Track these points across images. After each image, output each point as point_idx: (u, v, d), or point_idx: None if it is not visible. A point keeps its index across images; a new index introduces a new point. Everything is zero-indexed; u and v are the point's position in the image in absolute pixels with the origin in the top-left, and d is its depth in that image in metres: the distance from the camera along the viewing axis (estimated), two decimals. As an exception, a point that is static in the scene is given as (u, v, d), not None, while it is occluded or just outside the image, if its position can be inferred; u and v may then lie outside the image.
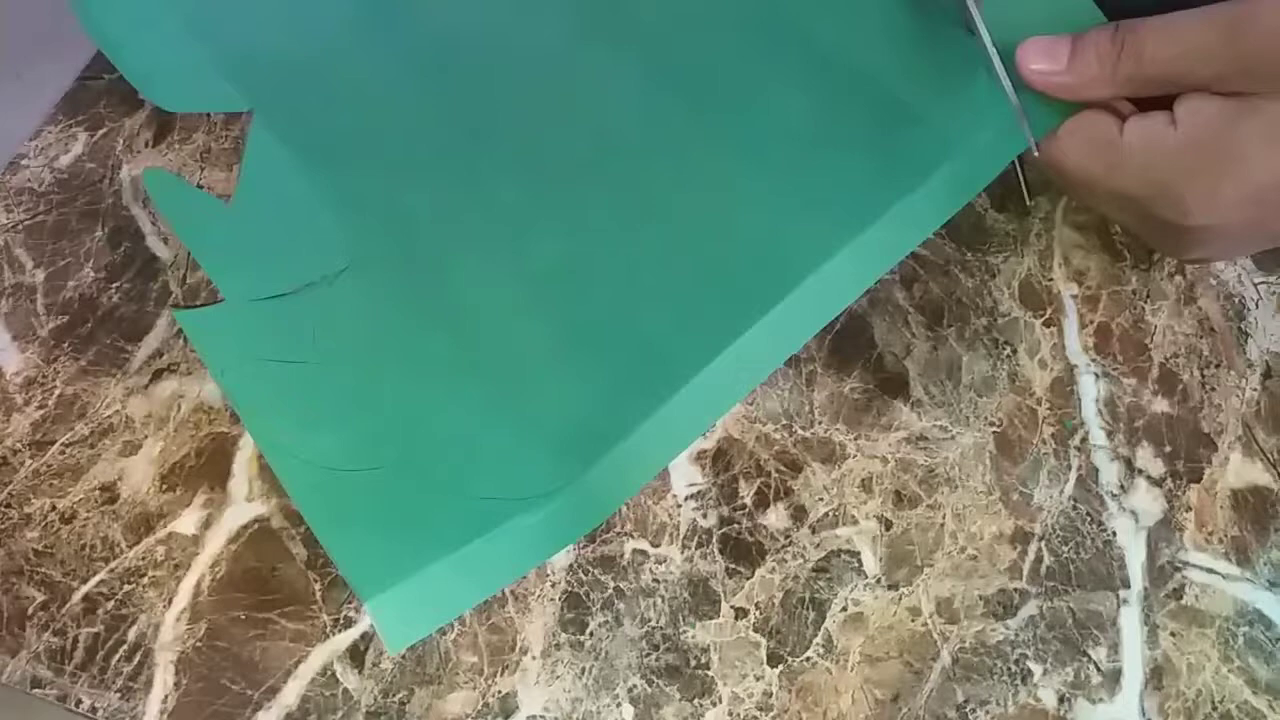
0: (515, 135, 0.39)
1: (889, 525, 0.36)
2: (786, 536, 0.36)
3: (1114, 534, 0.36)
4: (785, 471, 0.37)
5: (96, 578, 0.35)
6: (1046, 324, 0.40)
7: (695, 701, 0.34)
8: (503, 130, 0.39)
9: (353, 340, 0.36)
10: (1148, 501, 0.37)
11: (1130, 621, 0.35)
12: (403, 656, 0.34)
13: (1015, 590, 0.36)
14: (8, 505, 0.36)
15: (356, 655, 0.34)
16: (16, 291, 0.39)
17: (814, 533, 0.36)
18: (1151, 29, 0.32)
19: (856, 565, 0.36)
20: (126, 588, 0.35)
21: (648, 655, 0.34)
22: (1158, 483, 0.37)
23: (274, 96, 0.41)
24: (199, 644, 0.34)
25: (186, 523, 0.36)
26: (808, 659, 0.34)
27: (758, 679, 0.34)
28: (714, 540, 0.36)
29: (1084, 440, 0.38)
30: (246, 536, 0.36)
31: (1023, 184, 0.37)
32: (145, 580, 0.35)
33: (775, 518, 0.36)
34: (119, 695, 0.33)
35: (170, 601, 0.35)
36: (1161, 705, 0.34)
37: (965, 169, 0.35)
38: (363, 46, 0.42)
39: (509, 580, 0.34)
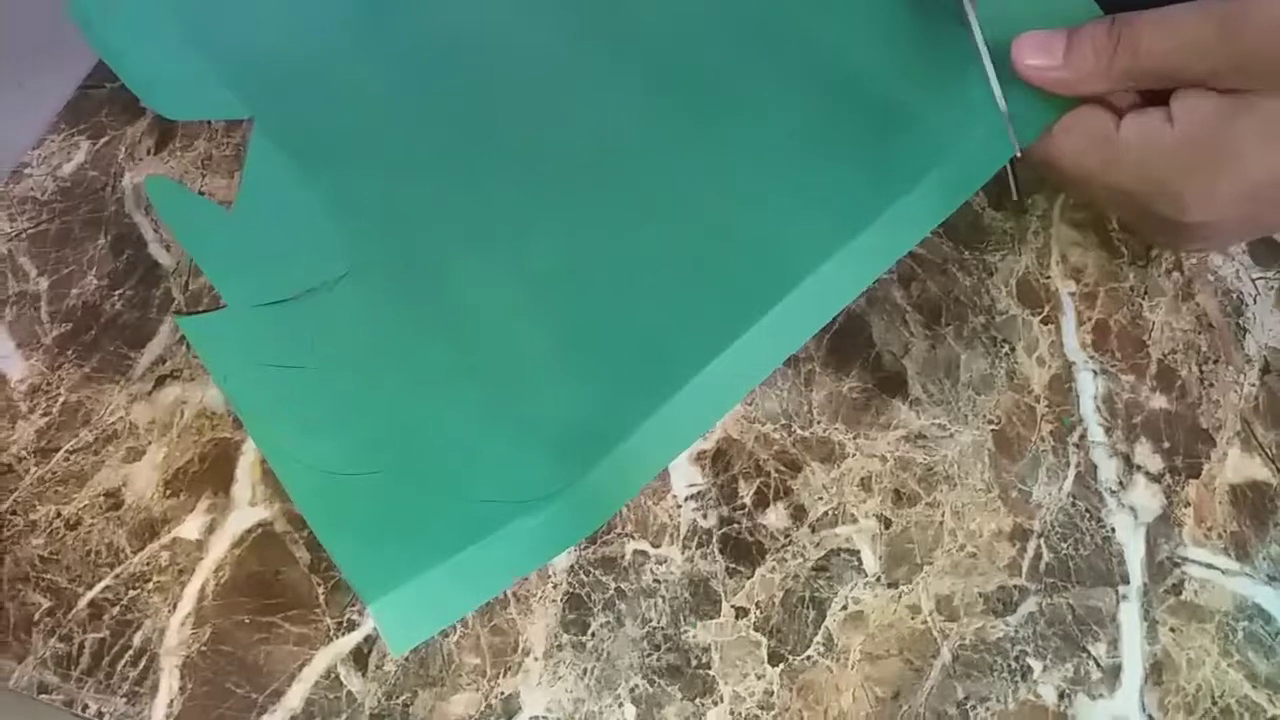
0: (513, 139, 0.39)
1: (888, 524, 0.36)
2: (786, 536, 0.36)
3: (1113, 530, 0.37)
4: (785, 471, 0.37)
5: (102, 583, 0.35)
6: (1044, 321, 0.40)
7: (697, 701, 0.34)
8: (501, 134, 0.40)
9: (353, 345, 0.36)
10: (1146, 497, 0.37)
11: (1130, 617, 0.35)
12: (406, 659, 0.34)
13: (1015, 587, 0.36)
14: (13, 512, 0.36)
15: (360, 658, 0.34)
16: (20, 299, 0.39)
17: (814, 532, 0.36)
18: (1147, 23, 0.32)
19: (856, 564, 0.36)
20: (131, 593, 0.35)
21: (649, 655, 0.34)
22: (1156, 479, 0.38)
23: (273, 103, 0.41)
24: (204, 648, 0.34)
25: (190, 528, 0.36)
26: (808, 658, 0.35)
27: (759, 678, 0.34)
28: (714, 540, 0.36)
29: (1082, 437, 0.38)
30: (250, 541, 0.36)
31: (1012, 181, 0.37)
32: (150, 585, 0.35)
33: (775, 517, 0.37)
34: (125, 700, 0.34)
35: (175, 606, 0.35)
36: (1161, 700, 0.34)
37: (961, 171, 0.35)
38: (361, 53, 0.42)
39: (510, 582, 0.34)
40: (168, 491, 0.36)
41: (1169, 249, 0.41)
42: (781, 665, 0.34)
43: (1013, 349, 0.39)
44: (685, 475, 0.37)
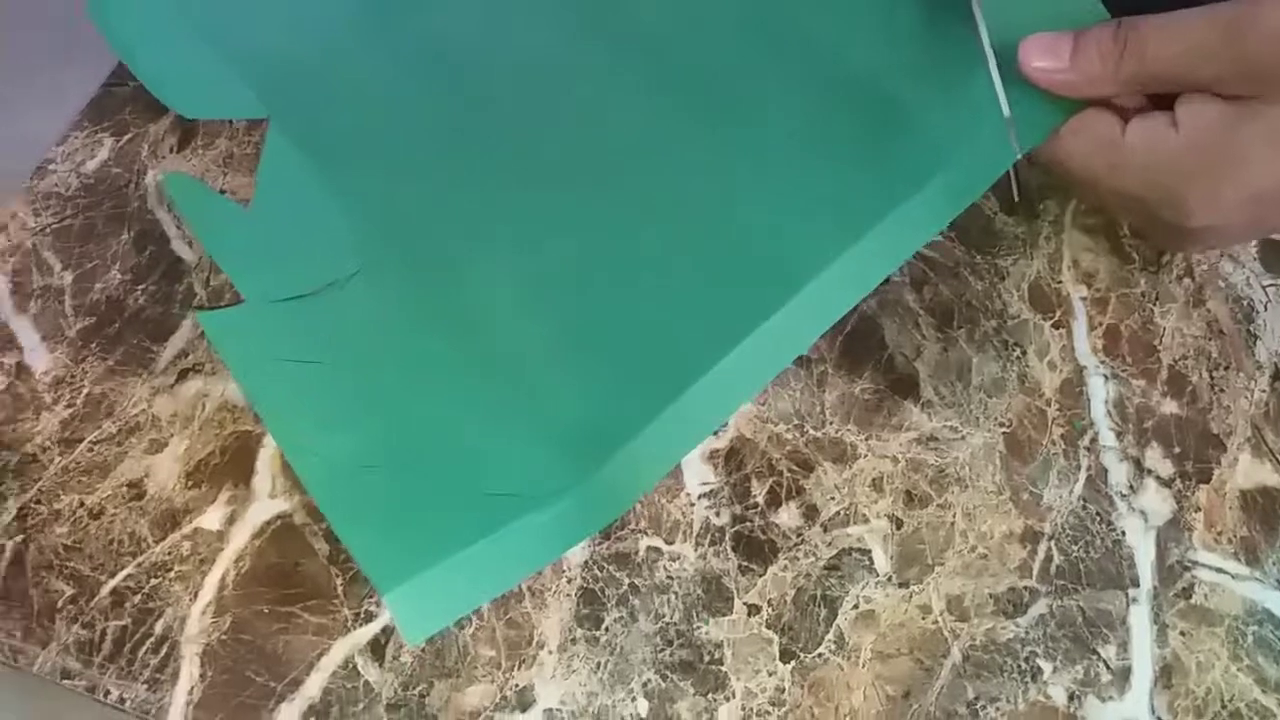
0: (524, 139, 0.40)
1: (900, 524, 0.37)
2: (798, 535, 0.37)
3: (1123, 533, 0.37)
4: (797, 471, 0.38)
5: (124, 572, 0.36)
6: (1056, 326, 0.40)
7: (709, 696, 0.34)
8: (513, 134, 0.40)
9: (368, 340, 0.37)
10: (1157, 502, 0.37)
11: (1140, 620, 0.36)
12: (422, 650, 0.35)
13: (1025, 589, 0.36)
14: (38, 501, 0.37)
15: (377, 648, 0.35)
16: (45, 293, 0.40)
17: (825, 531, 0.37)
18: (1154, 27, 0.32)
19: (868, 563, 0.36)
20: (153, 582, 0.35)
21: (662, 650, 0.35)
22: (1167, 483, 0.38)
23: (290, 102, 0.41)
24: (224, 637, 0.35)
25: (211, 519, 0.36)
26: (819, 655, 0.35)
27: (770, 674, 0.35)
28: (727, 538, 0.37)
29: (1093, 441, 0.38)
30: (270, 532, 0.36)
31: (1014, 184, 0.37)
32: (171, 574, 0.36)
33: (787, 516, 0.37)
34: (146, 686, 0.34)
35: (196, 595, 0.35)
36: (1171, 703, 0.35)
37: (966, 174, 0.35)
38: (373, 53, 0.42)
39: (523, 575, 0.35)
40: (189, 483, 0.37)
41: (1175, 250, 0.41)
42: (793, 662, 0.35)
43: (1024, 353, 0.40)
44: (698, 473, 0.38)
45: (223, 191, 0.42)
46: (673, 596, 0.36)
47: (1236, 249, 0.42)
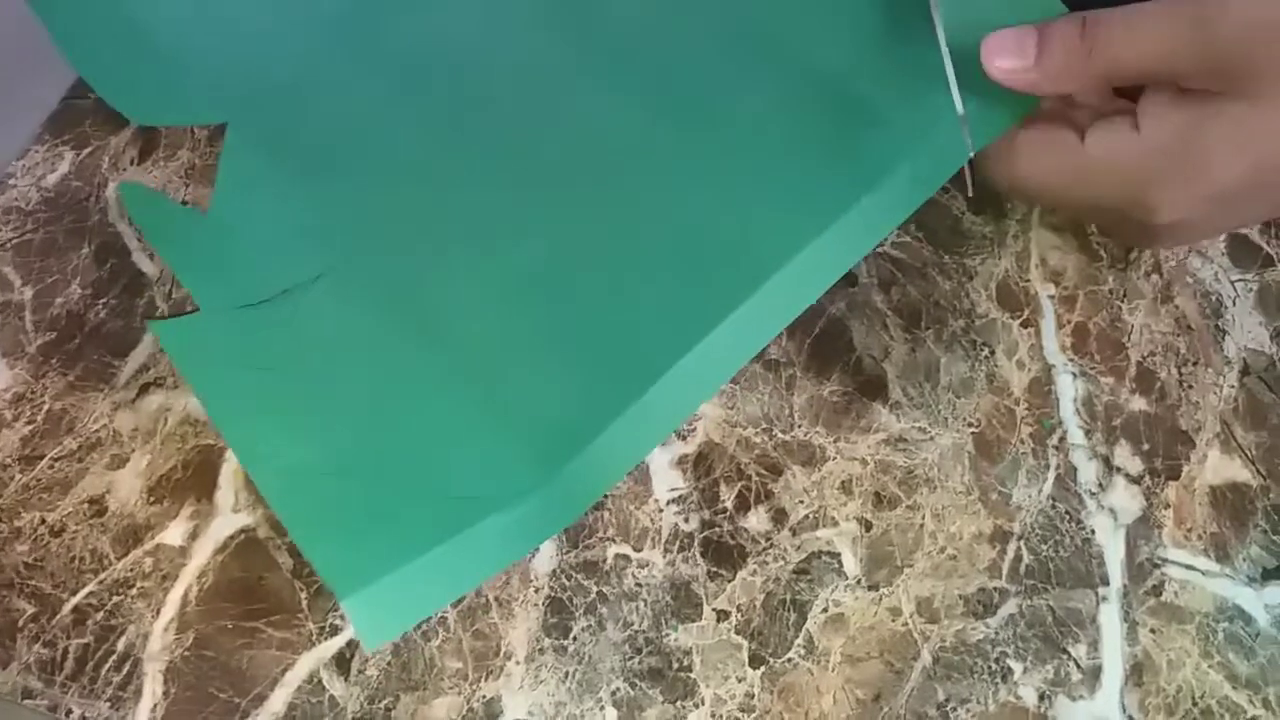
0: (485, 139, 0.40)
1: (869, 526, 0.37)
2: (767, 539, 0.36)
3: (1093, 532, 0.37)
4: (766, 475, 0.37)
5: (86, 589, 0.35)
6: (1024, 325, 0.40)
7: (678, 704, 0.34)
8: (474, 134, 0.40)
9: (328, 345, 0.36)
10: (1126, 499, 0.37)
11: (1110, 619, 0.36)
12: (388, 663, 0.34)
13: (995, 589, 0.36)
14: (-2, 520, 0.36)
15: (342, 662, 0.34)
16: (5, 309, 0.40)
17: (795, 535, 0.36)
18: (1120, 23, 0.32)
19: (837, 566, 0.36)
20: (115, 599, 0.35)
21: (630, 659, 0.35)
22: (1136, 480, 0.38)
23: (247, 107, 0.41)
24: (187, 653, 0.34)
25: (174, 534, 0.36)
26: (789, 660, 0.35)
27: (740, 680, 0.34)
28: (695, 544, 0.36)
29: (1062, 439, 0.38)
30: (233, 547, 0.36)
31: (969, 180, 0.37)
32: (134, 591, 0.35)
33: (756, 520, 0.37)
34: (109, 705, 0.34)
35: (158, 612, 0.35)
36: (1142, 701, 0.34)
37: (925, 167, 0.35)
38: (338, 57, 0.42)
39: (486, 577, 0.34)
40: (151, 498, 0.37)
41: (1145, 247, 0.41)
42: (762, 668, 0.35)
43: (992, 352, 0.40)
44: (667, 479, 0.37)
45: (185, 203, 0.41)
46: (641, 604, 0.35)
47: (1205, 245, 0.42)
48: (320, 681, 0.34)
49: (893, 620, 0.35)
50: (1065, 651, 0.35)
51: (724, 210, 0.37)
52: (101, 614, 0.35)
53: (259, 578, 0.35)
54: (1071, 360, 0.40)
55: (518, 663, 0.34)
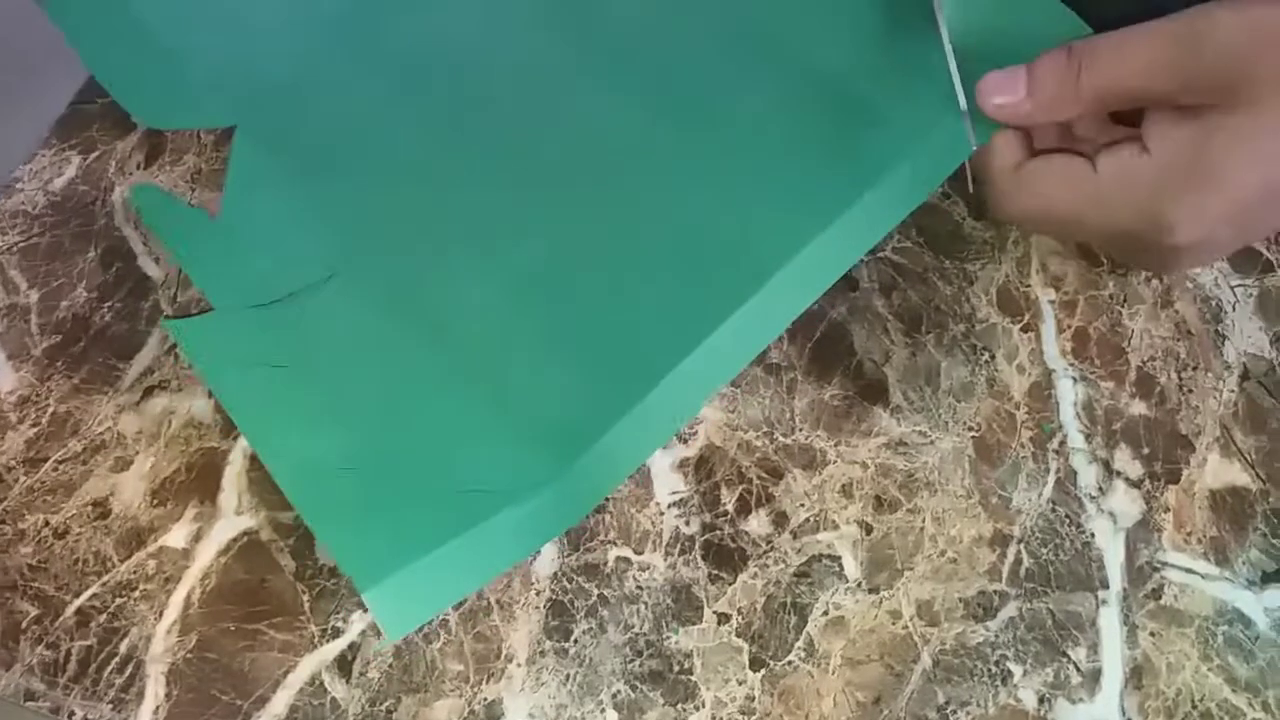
0: (489, 139, 0.40)
1: (869, 530, 0.37)
2: (768, 542, 0.37)
3: (1092, 535, 0.37)
4: (766, 478, 0.38)
5: (89, 591, 0.35)
6: (1024, 329, 0.40)
7: (679, 706, 0.34)
8: (477, 135, 0.40)
9: (341, 343, 0.37)
10: (1126, 503, 0.37)
11: (1110, 622, 0.36)
12: (389, 665, 0.34)
13: (995, 592, 0.36)
14: (2, 521, 0.36)
15: (344, 665, 0.34)
16: (11, 312, 0.40)
17: (795, 538, 0.37)
18: (1106, 46, 0.32)
19: (837, 570, 0.36)
20: (118, 601, 0.35)
21: (631, 661, 0.35)
22: (1136, 484, 0.38)
23: (255, 109, 0.41)
24: (189, 655, 0.34)
25: (177, 536, 0.36)
26: (789, 663, 0.35)
27: (740, 683, 0.34)
28: (696, 547, 0.36)
29: (1062, 443, 0.38)
30: (236, 549, 0.36)
31: (969, 177, 0.37)
32: (137, 593, 0.35)
33: (757, 524, 0.37)
34: (111, 707, 0.34)
35: (161, 614, 0.35)
36: (1141, 704, 0.34)
37: (925, 166, 0.35)
38: (344, 60, 0.42)
39: (502, 569, 0.35)
40: (155, 501, 0.37)
41: (1165, 272, 0.41)
42: (763, 671, 0.35)
43: (993, 356, 0.40)
44: (668, 482, 0.37)
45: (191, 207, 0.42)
46: (642, 606, 0.36)
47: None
48: (322, 683, 0.34)
49: (893, 623, 0.35)
50: (1065, 654, 0.35)
51: (726, 209, 0.37)
52: (104, 616, 0.35)
53: (261, 580, 0.36)
54: (1072, 365, 0.40)
55: (519, 665, 0.35)
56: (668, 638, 0.35)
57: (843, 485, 0.37)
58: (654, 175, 0.38)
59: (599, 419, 0.34)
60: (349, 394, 0.36)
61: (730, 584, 0.36)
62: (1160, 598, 0.36)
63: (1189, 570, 0.36)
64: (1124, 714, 0.34)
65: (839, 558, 0.36)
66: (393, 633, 0.32)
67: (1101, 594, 0.36)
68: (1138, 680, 0.35)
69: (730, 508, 0.37)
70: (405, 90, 0.41)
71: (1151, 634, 0.35)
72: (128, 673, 0.34)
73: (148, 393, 0.39)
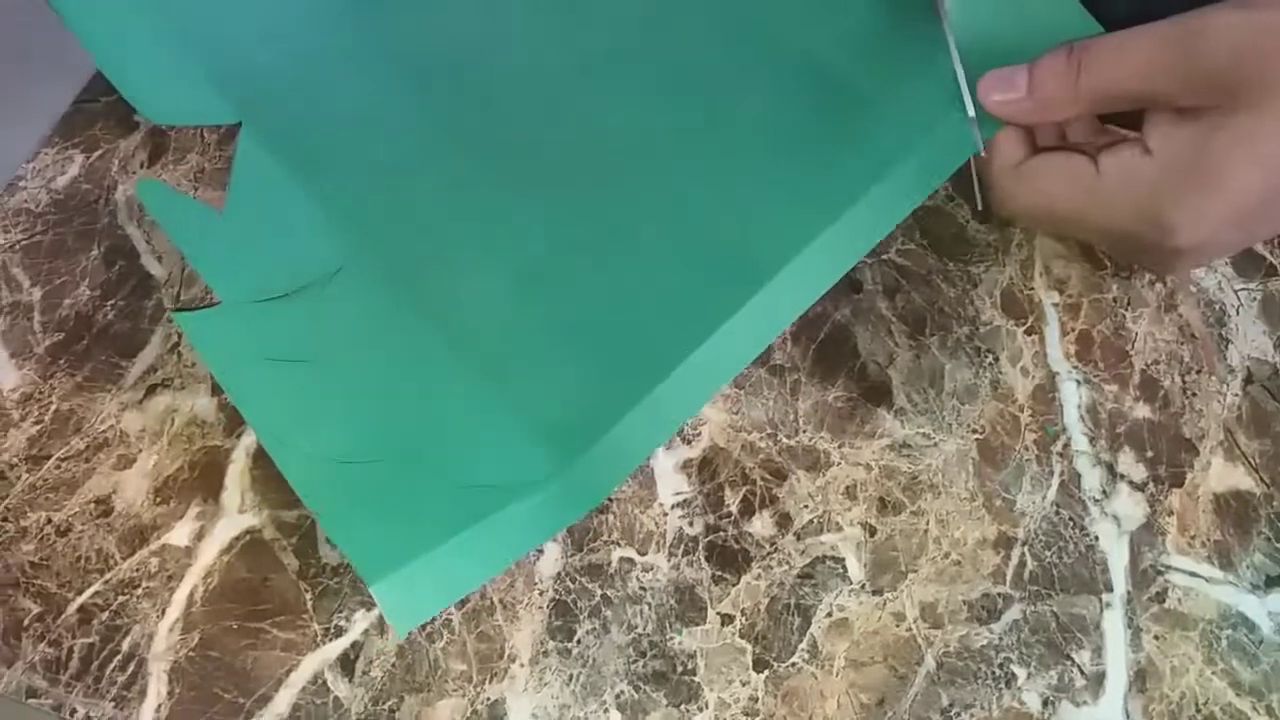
0: (494, 137, 0.40)
1: (873, 532, 0.37)
2: (772, 544, 0.36)
3: (1096, 538, 0.37)
4: (770, 479, 0.37)
5: (91, 589, 0.35)
6: (1028, 332, 0.40)
7: (682, 707, 0.34)
8: (482, 132, 0.40)
9: (348, 338, 0.37)
10: (1130, 506, 0.37)
11: (1114, 625, 0.36)
12: (392, 664, 0.34)
13: (999, 595, 0.36)
14: (4, 519, 0.36)
15: (347, 664, 0.34)
16: (14, 310, 0.40)
17: (799, 540, 0.37)
18: (1106, 46, 0.32)
19: (841, 571, 0.36)
20: (121, 599, 0.35)
21: (635, 662, 0.35)
22: (1140, 487, 0.38)
23: (261, 106, 0.41)
24: (192, 653, 0.34)
25: (179, 534, 0.36)
26: (793, 664, 0.35)
27: (743, 684, 0.34)
28: (700, 548, 0.36)
29: (1066, 446, 0.38)
30: (238, 548, 0.36)
31: (976, 188, 0.37)
32: (139, 591, 0.35)
33: (761, 525, 0.37)
34: (113, 704, 0.34)
35: (164, 612, 0.35)
36: (1145, 707, 0.34)
37: (931, 160, 0.35)
38: (348, 57, 0.42)
39: (508, 563, 0.35)
40: (157, 499, 0.37)
41: (1165, 273, 0.41)
42: (766, 672, 0.35)
43: (997, 359, 0.40)
44: (672, 483, 0.37)
45: (193, 206, 0.42)
46: (645, 607, 0.35)
47: (1208, 254, 0.42)
48: (325, 682, 0.34)
49: (897, 625, 0.35)
50: (1069, 657, 0.35)
51: (731, 205, 0.37)
52: (107, 614, 0.35)
53: (264, 579, 0.36)
54: (1075, 368, 0.40)
55: (522, 665, 0.35)
56: (671, 638, 0.35)
57: (846, 487, 0.37)
58: (659, 171, 0.38)
59: (604, 414, 0.34)
60: (355, 388, 0.36)
61: (734, 585, 0.36)
62: (1164, 601, 0.36)
63: (1193, 574, 0.36)
64: (1128, 717, 0.34)
65: (843, 559, 0.36)
66: (400, 627, 0.33)
67: (1105, 597, 0.36)
68: (1142, 683, 0.35)
69: (734, 509, 0.37)
70: (411, 86, 0.42)
71: (1156, 637, 0.35)
72: (130, 670, 0.34)
73: (150, 391, 0.38)
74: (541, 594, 0.36)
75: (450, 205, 0.39)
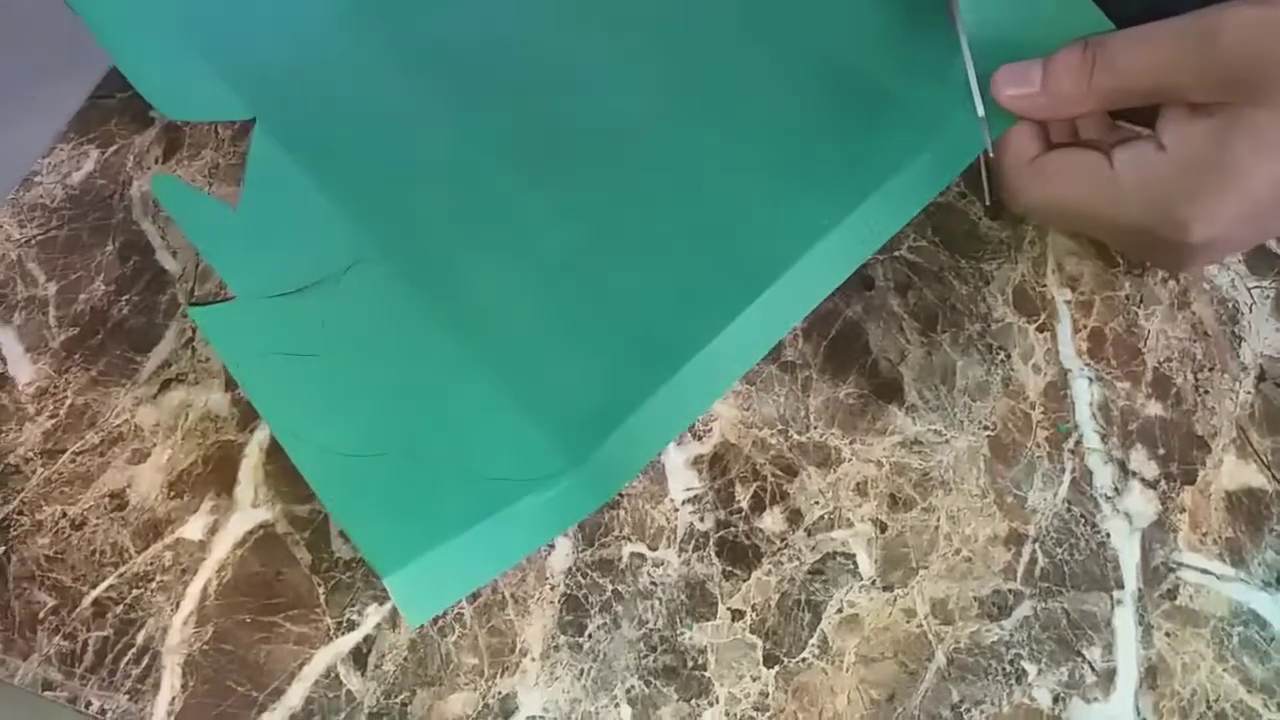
0: (511, 129, 0.40)
1: (884, 528, 0.37)
2: (782, 539, 0.37)
3: (1108, 535, 0.37)
4: (781, 475, 0.38)
5: (106, 583, 0.35)
6: (1040, 329, 0.40)
7: (692, 702, 0.34)
8: (501, 123, 0.40)
9: (363, 332, 0.37)
10: (1141, 503, 0.37)
11: (1125, 622, 0.36)
12: (404, 658, 0.34)
13: (1010, 591, 0.36)
14: (20, 512, 0.36)
15: (359, 657, 0.35)
16: (29, 304, 0.40)
17: (810, 536, 0.37)
18: (1122, 41, 0.32)
19: (852, 567, 0.36)
20: (135, 592, 0.35)
21: (645, 657, 0.35)
22: (1152, 485, 0.38)
23: (275, 101, 0.42)
24: (205, 647, 0.35)
25: (193, 528, 0.36)
26: (803, 660, 0.35)
27: (754, 680, 0.34)
28: (711, 543, 0.36)
29: (1078, 443, 0.38)
30: (252, 542, 0.36)
31: (986, 186, 0.37)
32: (153, 585, 0.35)
33: (771, 521, 0.37)
34: (128, 697, 0.34)
35: (178, 605, 0.35)
36: (1156, 704, 0.34)
37: (946, 153, 0.36)
38: (361, 47, 0.42)
39: (522, 555, 0.35)
40: (171, 493, 0.37)
41: (1178, 270, 0.41)
42: (777, 667, 0.35)
43: (1009, 356, 0.40)
44: (682, 479, 0.37)
45: (207, 202, 0.42)
46: (656, 602, 0.36)
47: (1221, 251, 0.42)
48: (337, 676, 0.34)
49: (907, 621, 0.35)
50: (1080, 654, 0.35)
51: (747, 198, 0.37)
52: (121, 607, 0.35)
53: (277, 573, 0.36)
54: (1088, 365, 0.40)
55: (533, 659, 0.35)
56: (682, 634, 0.35)
57: (857, 483, 0.37)
58: (675, 165, 0.39)
59: (618, 408, 0.35)
60: (371, 381, 0.36)
61: (744, 581, 0.36)
62: (1175, 598, 0.36)
63: (1204, 571, 0.36)
64: (1139, 714, 0.34)
65: (853, 555, 0.36)
66: (413, 619, 0.33)
67: (1117, 594, 0.36)
68: (1152, 680, 0.35)
69: (745, 505, 0.37)
70: (425, 77, 0.42)
71: (1167, 634, 0.35)
72: (144, 663, 0.34)
73: (165, 385, 0.39)
74: (553, 589, 0.36)
75: (463, 199, 0.39)
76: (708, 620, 0.35)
